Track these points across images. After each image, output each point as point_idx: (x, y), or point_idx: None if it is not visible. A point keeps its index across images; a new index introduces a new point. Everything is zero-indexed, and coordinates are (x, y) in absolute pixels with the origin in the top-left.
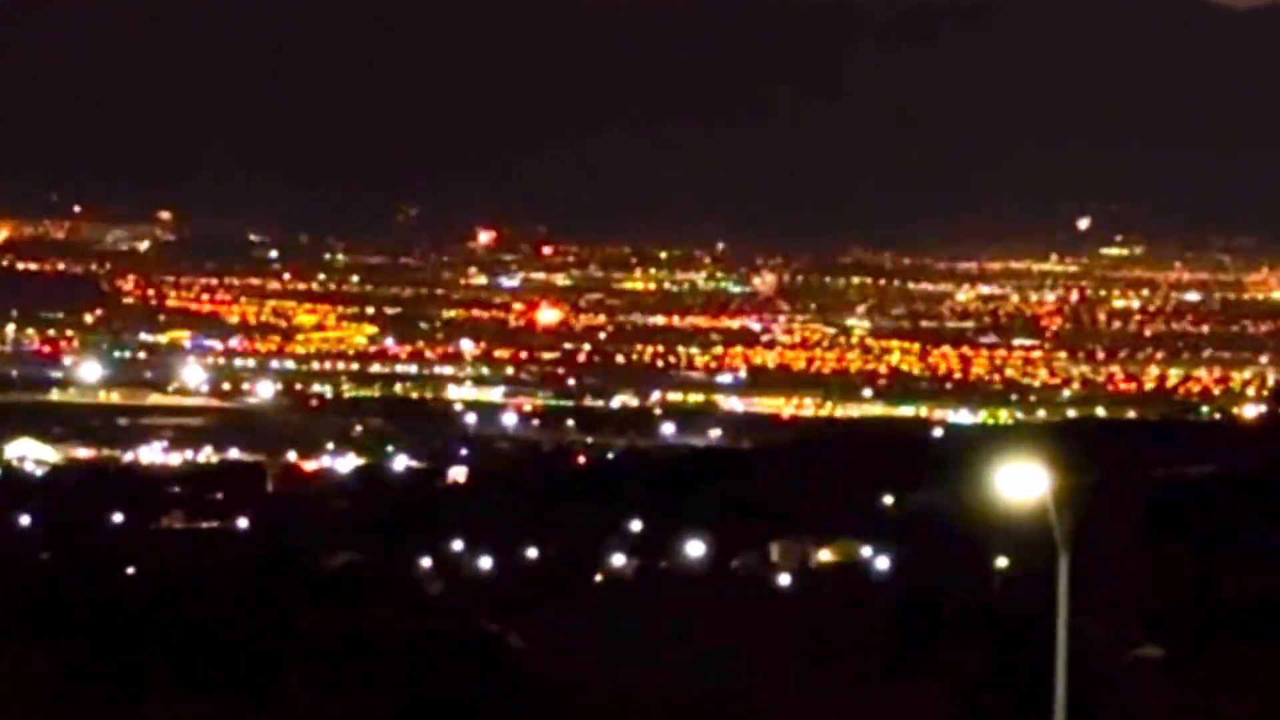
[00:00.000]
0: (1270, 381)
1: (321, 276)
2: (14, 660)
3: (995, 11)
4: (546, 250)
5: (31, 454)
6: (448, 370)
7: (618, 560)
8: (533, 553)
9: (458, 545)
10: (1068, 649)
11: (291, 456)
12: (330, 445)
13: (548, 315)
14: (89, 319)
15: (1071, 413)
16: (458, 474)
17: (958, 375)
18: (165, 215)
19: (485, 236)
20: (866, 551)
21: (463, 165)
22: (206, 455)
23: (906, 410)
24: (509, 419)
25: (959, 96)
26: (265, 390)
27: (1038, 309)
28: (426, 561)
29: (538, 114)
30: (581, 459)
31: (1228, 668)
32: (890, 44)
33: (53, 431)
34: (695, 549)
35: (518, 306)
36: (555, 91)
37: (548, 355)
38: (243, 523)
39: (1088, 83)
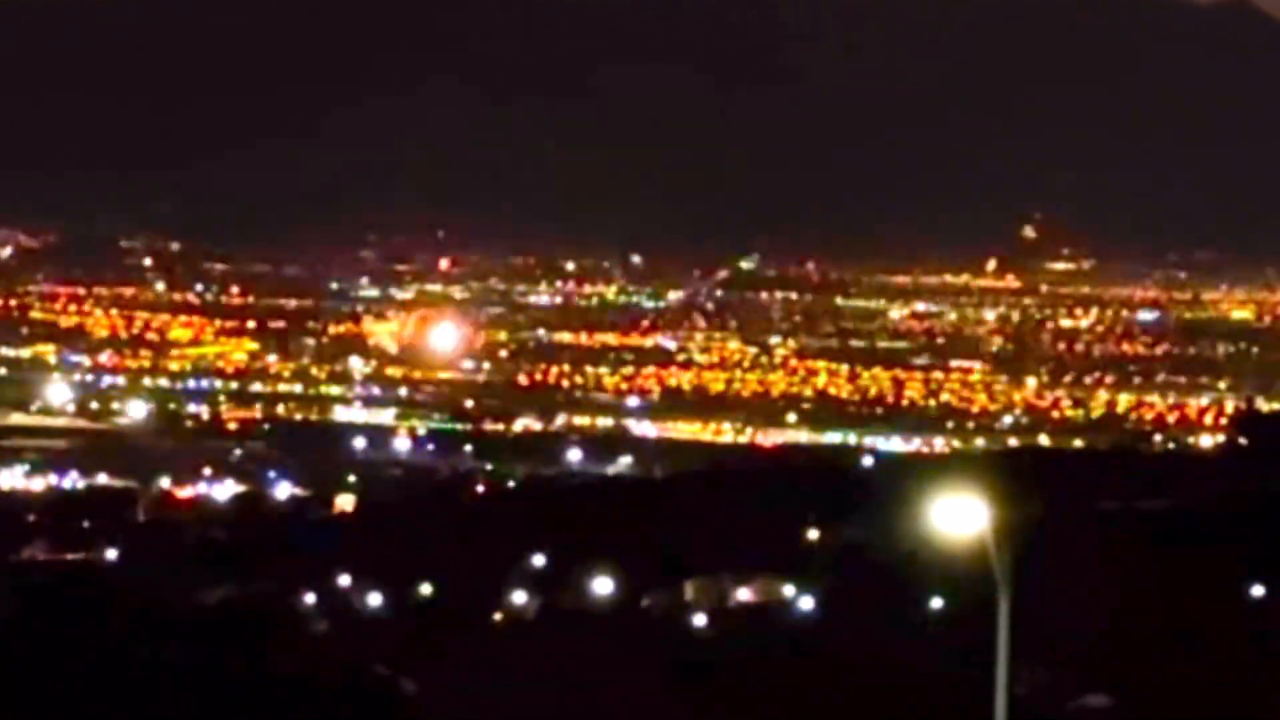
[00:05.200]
0: (1230, 408)
1: (199, 287)
2: None
3: (932, 4)
4: (444, 261)
5: None
6: (335, 390)
7: (518, 598)
8: (426, 589)
9: (345, 580)
10: (1007, 697)
11: (164, 483)
12: (207, 471)
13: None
14: None
15: (1013, 441)
16: (345, 503)
17: (889, 399)
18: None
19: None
20: (789, 590)
21: (351, 166)
22: (72, 481)
23: (834, 437)
24: (401, 443)
25: (892, 97)
26: (136, 410)
27: (977, 328)
28: (311, 598)
29: (429, 107)
30: (480, 488)
31: (1179, 717)
32: (814, 41)
33: None
34: (603, 586)
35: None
36: (451, 81)
37: (444, 375)
38: (111, 554)
39: (1032, 82)
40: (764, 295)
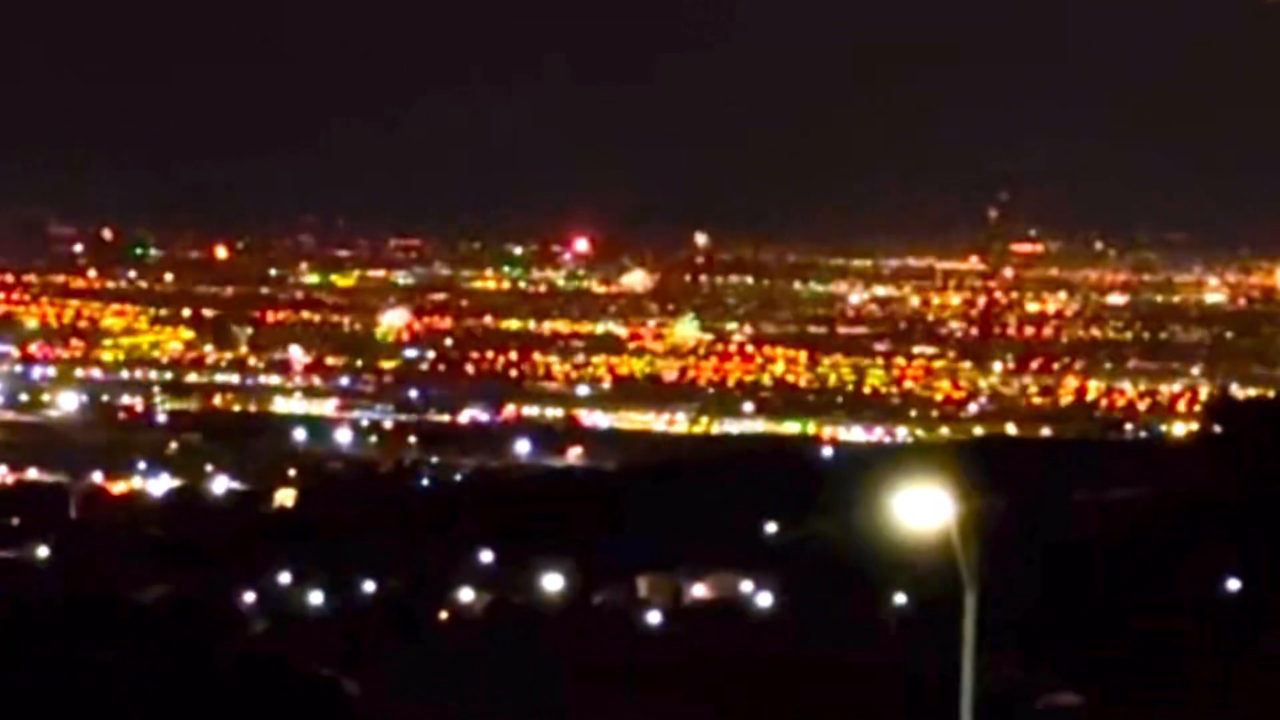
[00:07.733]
0: (1203, 394)
1: (132, 274)
2: None
3: None
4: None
5: None
6: (274, 380)
7: (466, 595)
8: (370, 587)
9: (285, 578)
10: (974, 696)
11: (97, 477)
12: (141, 465)
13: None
14: None
15: (979, 430)
16: (285, 497)
17: (850, 387)
18: None
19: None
20: (747, 587)
21: (289, 145)
22: (1, 476)
23: (792, 426)
24: (343, 435)
25: (850, 74)
26: (68, 402)
27: (940, 312)
28: (250, 596)
29: (369, 83)
30: (425, 481)
31: (1150, 715)
32: (769, 14)
33: None
34: (553, 583)
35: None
36: (392, 55)
37: (387, 364)
38: (42, 551)
39: (996, 59)
40: (719, 279)
